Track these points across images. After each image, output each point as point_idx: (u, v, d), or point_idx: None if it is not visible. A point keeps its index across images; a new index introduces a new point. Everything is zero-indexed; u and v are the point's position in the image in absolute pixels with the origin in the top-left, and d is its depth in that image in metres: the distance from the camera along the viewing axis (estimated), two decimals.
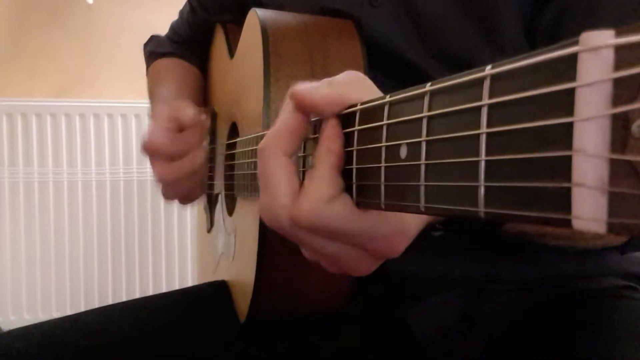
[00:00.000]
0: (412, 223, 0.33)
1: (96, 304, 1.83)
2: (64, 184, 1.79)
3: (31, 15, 1.84)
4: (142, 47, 0.94)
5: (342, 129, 0.32)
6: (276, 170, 0.32)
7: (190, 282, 1.92)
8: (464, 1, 0.55)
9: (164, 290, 1.89)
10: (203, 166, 0.67)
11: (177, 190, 0.68)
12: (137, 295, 1.86)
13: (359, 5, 0.59)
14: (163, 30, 0.94)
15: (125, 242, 1.85)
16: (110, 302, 1.83)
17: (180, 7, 0.91)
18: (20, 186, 1.76)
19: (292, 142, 0.33)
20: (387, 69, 0.56)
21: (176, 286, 1.91)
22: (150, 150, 0.64)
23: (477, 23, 0.55)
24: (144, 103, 1.89)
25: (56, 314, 1.79)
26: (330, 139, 0.32)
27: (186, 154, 0.64)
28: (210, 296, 0.69)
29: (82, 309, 1.79)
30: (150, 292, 1.89)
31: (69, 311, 1.80)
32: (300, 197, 0.31)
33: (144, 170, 1.86)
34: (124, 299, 1.85)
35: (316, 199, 0.30)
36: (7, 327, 1.69)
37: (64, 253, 1.80)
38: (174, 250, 1.91)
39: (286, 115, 0.33)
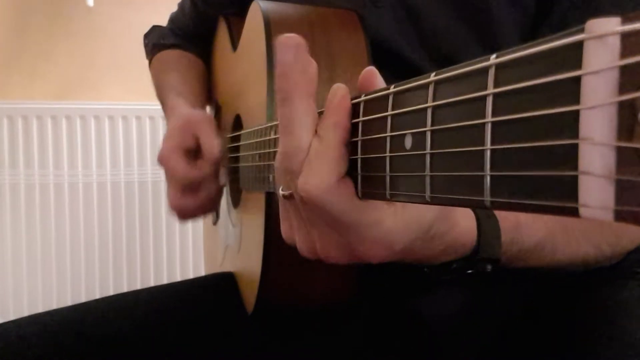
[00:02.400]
0: (398, 242, 0.33)
1: None
2: (65, 185, 1.79)
3: (31, 18, 1.84)
4: (142, 49, 0.93)
5: (350, 100, 0.32)
6: (302, 115, 0.31)
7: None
8: (463, 10, 0.56)
9: None
10: (218, 199, 0.67)
11: (191, 218, 0.69)
12: None
13: (362, 5, 0.59)
14: None
15: (127, 244, 1.86)
16: None
17: None
18: (21, 188, 1.77)
19: (313, 85, 0.31)
20: (389, 68, 0.56)
21: None
22: (165, 167, 0.65)
23: (476, 31, 0.56)
24: (145, 105, 1.90)
25: None
26: (340, 109, 0.31)
27: (202, 184, 0.64)
28: (218, 287, 0.70)
29: None
30: None
31: None
32: (309, 170, 0.30)
33: (145, 171, 1.86)
34: None
35: (326, 177, 0.30)
36: None
37: (65, 254, 1.80)
38: (175, 251, 1.91)
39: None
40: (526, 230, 0.43)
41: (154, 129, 1.86)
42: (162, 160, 0.65)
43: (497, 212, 0.41)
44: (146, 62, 0.93)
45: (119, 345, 0.58)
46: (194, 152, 0.66)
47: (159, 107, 0.82)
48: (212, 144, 0.64)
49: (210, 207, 0.68)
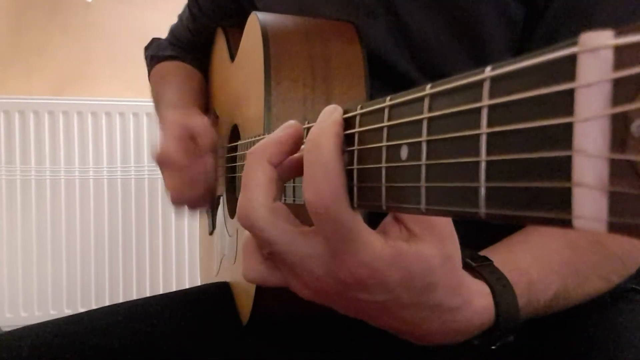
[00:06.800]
0: (388, 276, 0.31)
1: (92, 301, 1.83)
2: (61, 181, 1.79)
3: (29, 13, 1.85)
4: (140, 45, 0.94)
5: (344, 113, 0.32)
6: (257, 174, 0.33)
7: (187, 279, 1.92)
8: (452, 23, 0.57)
9: (160, 286, 1.89)
10: (213, 175, 0.68)
11: (187, 198, 0.69)
12: (135, 293, 1.87)
13: (355, 16, 0.60)
14: (161, 28, 0.95)
15: (122, 240, 1.86)
16: (107, 299, 1.83)
17: (178, 5, 0.91)
18: (17, 184, 1.76)
19: (278, 153, 0.33)
20: (381, 78, 0.57)
21: (173, 284, 1.91)
22: (163, 161, 0.67)
23: (465, 45, 0.57)
24: (143, 101, 1.91)
25: (53, 312, 1.79)
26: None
27: (200, 173, 0.66)
28: (213, 297, 0.69)
29: (79, 307, 1.80)
30: (147, 288, 1.89)
31: (65, 309, 1.80)
32: (315, 180, 0.30)
33: (142, 168, 1.86)
34: (120, 296, 1.85)
35: (339, 185, 0.30)
36: (3, 323, 1.69)
37: (60, 251, 1.80)
38: (171, 248, 1.91)
39: (280, 129, 0.34)
40: (540, 286, 0.42)
41: (151, 126, 1.86)
42: (162, 159, 0.67)
43: (509, 276, 0.39)
44: (144, 58, 0.94)
45: (115, 356, 0.57)
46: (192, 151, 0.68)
47: None
48: (204, 120, 0.68)
49: (207, 197, 0.70)
